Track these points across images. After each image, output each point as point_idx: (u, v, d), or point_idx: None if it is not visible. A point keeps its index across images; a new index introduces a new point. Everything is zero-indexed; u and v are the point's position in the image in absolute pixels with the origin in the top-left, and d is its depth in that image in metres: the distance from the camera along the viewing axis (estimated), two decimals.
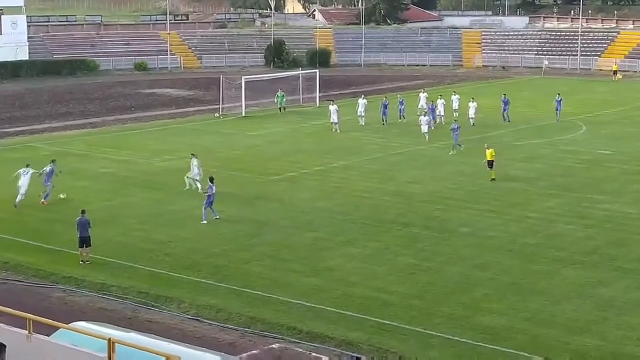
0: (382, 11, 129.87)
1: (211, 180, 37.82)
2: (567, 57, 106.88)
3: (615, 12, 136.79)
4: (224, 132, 60.76)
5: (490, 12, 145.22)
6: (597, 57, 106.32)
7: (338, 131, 59.13)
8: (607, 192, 42.92)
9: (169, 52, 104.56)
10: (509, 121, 63.74)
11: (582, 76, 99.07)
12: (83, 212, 32.59)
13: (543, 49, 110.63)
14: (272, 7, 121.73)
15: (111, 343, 14.46)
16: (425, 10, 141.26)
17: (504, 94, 66.13)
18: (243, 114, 67.93)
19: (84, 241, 32.12)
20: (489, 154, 45.40)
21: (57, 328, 16.72)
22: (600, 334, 25.74)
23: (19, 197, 39.71)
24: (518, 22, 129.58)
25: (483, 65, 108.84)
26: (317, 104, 73.11)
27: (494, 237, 35.41)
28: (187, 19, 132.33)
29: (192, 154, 44.64)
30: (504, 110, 64.84)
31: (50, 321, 15.98)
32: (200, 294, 29.07)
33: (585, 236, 35.56)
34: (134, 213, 39.16)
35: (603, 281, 30.19)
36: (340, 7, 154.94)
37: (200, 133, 60.44)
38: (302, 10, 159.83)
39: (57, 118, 67.42)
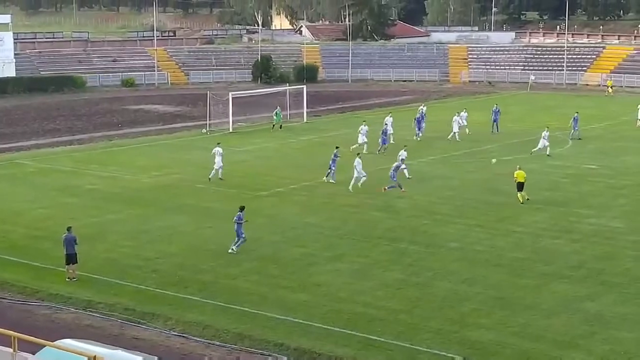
0: (369, 27, 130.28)
1: (241, 209, 35.61)
2: (553, 72, 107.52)
3: (601, 27, 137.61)
4: (211, 148, 60.57)
5: (476, 28, 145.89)
6: (583, 72, 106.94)
7: (365, 152, 55.34)
8: (594, 206, 43.05)
9: (156, 68, 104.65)
10: (497, 131, 63.95)
11: (568, 91, 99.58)
12: (69, 229, 32.42)
13: (529, 64, 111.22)
14: (260, 23, 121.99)
15: None
16: (411, 26, 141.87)
17: (496, 104, 66.41)
18: (230, 130, 67.95)
19: (71, 258, 31.94)
20: (519, 175, 43.52)
21: (43, 346, 16.66)
22: (588, 349, 25.73)
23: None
24: (504, 37, 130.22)
25: (470, 81, 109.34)
26: (305, 120, 73.19)
27: (481, 252, 35.43)
28: (175, 35, 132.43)
29: (217, 143, 50.12)
30: (495, 120, 65.17)
31: (35, 339, 15.90)
32: (187, 310, 28.94)
33: (572, 250, 35.62)
34: (120, 229, 39.01)
35: (590, 295, 30.22)
36: (327, 23, 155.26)
37: (188, 149, 60.40)
38: (289, 26, 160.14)
39: (44, 135, 67.30)
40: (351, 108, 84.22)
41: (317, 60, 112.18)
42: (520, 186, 43.48)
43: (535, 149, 55.54)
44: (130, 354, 20.43)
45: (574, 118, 64.06)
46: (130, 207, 43.30)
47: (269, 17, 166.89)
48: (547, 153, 55.13)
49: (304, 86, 77.33)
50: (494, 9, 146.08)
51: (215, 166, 49.12)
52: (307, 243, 36.59)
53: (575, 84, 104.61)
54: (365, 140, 57.97)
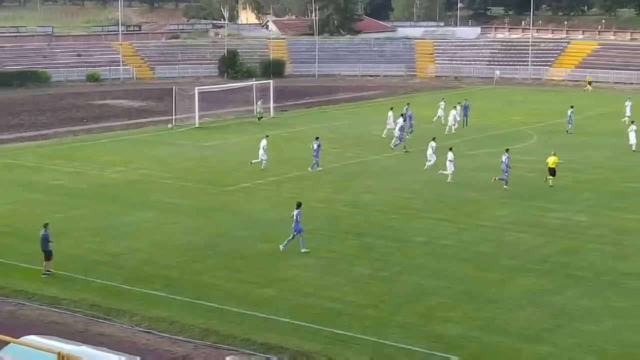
0: (335, 22, 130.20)
1: (298, 205, 35.00)
2: (519, 67, 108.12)
3: (566, 22, 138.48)
4: (177, 143, 60.46)
5: (442, 23, 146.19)
6: (547, 67, 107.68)
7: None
8: (559, 200, 43.36)
9: (121, 63, 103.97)
10: (466, 126, 64.28)
11: (533, 86, 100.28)
12: (45, 225, 32.28)
13: (495, 59, 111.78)
14: (226, 18, 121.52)
15: (61, 357, 14.30)
16: (378, 21, 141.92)
17: (465, 99, 66.73)
18: (197, 125, 67.69)
19: (45, 255, 31.83)
20: (552, 161, 46.20)
21: (7, 343, 16.50)
22: (553, 342, 25.91)
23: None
24: (470, 32, 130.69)
25: (436, 76, 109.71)
26: (272, 115, 73.07)
27: (448, 246, 35.58)
28: (140, 30, 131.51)
29: (266, 136, 52.28)
30: (465, 116, 65.52)
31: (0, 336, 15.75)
32: (153, 306, 28.79)
33: (538, 244, 35.85)
34: (86, 225, 38.73)
35: (555, 289, 30.43)
36: (293, 17, 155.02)
37: (154, 144, 60.10)
38: (256, 21, 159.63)
39: (8, 130, 66.63)
40: (318, 103, 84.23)
41: (284, 55, 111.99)
42: (551, 172, 46.13)
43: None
44: (113, 354, 20.18)
45: (569, 112, 64.64)
46: (96, 202, 42.99)
47: (236, 12, 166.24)
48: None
49: (271, 81, 77.16)
50: (459, 4, 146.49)
51: (261, 157, 50.62)
52: (274, 238, 36.50)
53: (540, 78, 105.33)
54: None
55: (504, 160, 46.17)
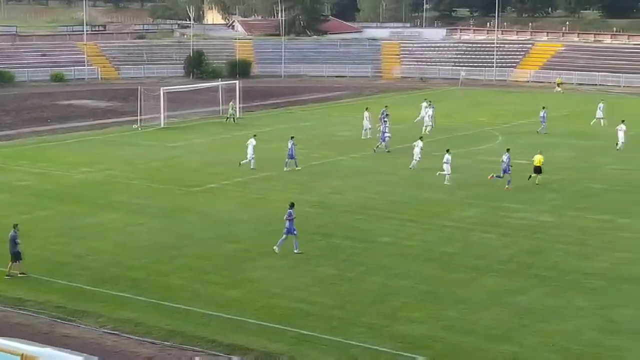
0: (302, 22, 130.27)
1: (291, 206, 34.87)
2: (484, 68, 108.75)
3: (530, 24, 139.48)
4: (143, 144, 60.18)
5: (408, 24, 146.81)
6: (512, 68, 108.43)
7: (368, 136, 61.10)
8: (523, 201, 43.69)
9: (86, 63, 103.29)
10: (432, 126, 64.52)
11: (498, 87, 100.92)
12: (15, 226, 32.07)
13: (460, 60, 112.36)
14: (192, 18, 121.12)
15: (24, 358, 14.22)
16: (344, 22, 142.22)
17: (430, 100, 67.03)
18: (162, 125, 67.41)
19: (14, 256, 31.60)
20: (537, 159, 47.23)
21: None
22: (518, 341, 26.11)
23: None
24: (436, 34, 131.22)
25: (402, 77, 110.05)
26: (238, 115, 72.88)
27: (413, 247, 35.74)
28: (105, 30, 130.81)
29: (254, 135, 51.97)
30: (430, 116, 65.66)
31: None
32: (119, 307, 28.66)
33: (502, 245, 36.11)
34: (51, 226, 38.47)
35: (520, 289, 30.66)
36: (260, 18, 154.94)
37: (119, 145, 59.78)
38: (222, 21, 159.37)
39: None
40: (285, 104, 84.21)
41: (250, 56, 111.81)
42: (537, 170, 47.11)
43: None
44: (71, 354, 20.10)
45: (542, 113, 65.36)
46: (61, 203, 42.71)
47: (202, 12, 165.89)
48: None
49: (237, 81, 77.00)
50: (425, 6, 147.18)
51: (248, 157, 50.66)
52: (240, 239, 36.50)
53: (505, 80, 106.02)
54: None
55: (504, 160, 46.87)
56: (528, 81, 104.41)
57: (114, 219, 39.64)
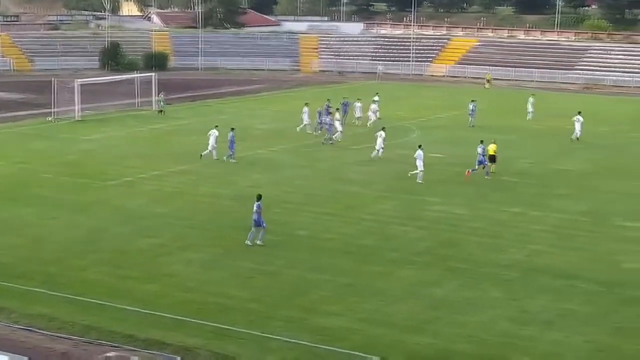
0: (220, 15, 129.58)
1: (259, 198, 34.99)
2: (401, 62, 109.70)
3: (446, 19, 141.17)
4: (57, 137, 59.14)
5: (326, 18, 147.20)
6: (429, 63, 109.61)
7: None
8: (439, 194, 44.22)
9: None
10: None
11: (415, 81, 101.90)
12: None
13: (378, 54, 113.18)
14: (108, 9, 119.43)
15: None
16: (263, 15, 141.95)
17: (345, 97, 67.25)
18: (77, 118, 66.35)
19: None
20: (492, 149, 48.87)
21: None
22: (434, 333, 26.44)
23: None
24: (354, 28, 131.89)
25: (321, 70, 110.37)
26: (154, 108, 72.18)
27: (331, 240, 35.87)
28: (18, 20, 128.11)
29: (215, 126, 52.45)
30: (344, 112, 65.78)
31: None
32: (32, 303, 28.12)
33: (419, 237, 36.50)
34: None
35: (436, 281, 31.04)
36: (177, 10, 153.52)
37: (33, 137, 58.64)
38: (138, 13, 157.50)
39: None
40: (203, 96, 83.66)
41: (167, 48, 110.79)
42: (492, 158, 48.76)
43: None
44: None
45: (471, 106, 66.44)
46: None
47: (117, 3, 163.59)
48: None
49: (154, 74, 76.23)
50: (343, 0, 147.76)
51: (209, 147, 50.82)
52: (157, 233, 36.17)
53: (422, 74, 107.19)
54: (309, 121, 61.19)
55: (479, 151, 48.08)
56: (444, 76, 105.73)
57: (28, 213, 38.89)
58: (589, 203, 42.86)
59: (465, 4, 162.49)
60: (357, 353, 24.73)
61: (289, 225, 37.74)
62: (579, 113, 60.89)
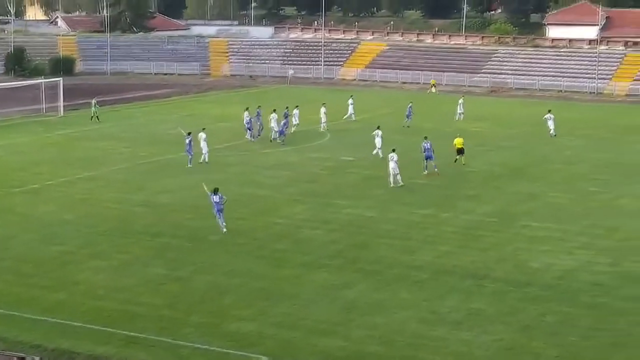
0: (127, 19, 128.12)
1: (215, 191, 37.12)
2: (311, 66, 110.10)
3: (356, 23, 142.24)
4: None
5: (236, 22, 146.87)
6: (339, 67, 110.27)
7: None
8: (350, 197, 44.48)
9: None
10: (262, 130, 64.58)
11: (325, 85, 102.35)
12: None
13: (288, 58, 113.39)
14: (12, 13, 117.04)
15: None
16: (171, 19, 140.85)
17: (259, 106, 66.89)
18: None
19: None
20: (458, 142, 51.68)
21: None
22: (345, 335, 26.56)
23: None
24: (264, 32, 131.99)
25: (231, 74, 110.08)
26: (61, 114, 71.01)
27: (243, 244, 35.76)
28: None
29: (203, 129, 52.70)
30: (259, 120, 65.34)
31: None
32: None
33: (330, 240, 36.65)
34: None
35: (347, 283, 31.20)
36: (84, 14, 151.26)
37: None
38: (44, 17, 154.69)
39: None
40: (111, 101, 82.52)
41: (73, 52, 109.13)
42: (459, 151, 51.79)
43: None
44: None
45: (409, 107, 68.60)
46: None
47: (22, 7, 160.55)
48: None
49: (60, 79, 74.99)
50: (253, 4, 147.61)
51: (203, 151, 51.67)
52: (64, 241, 35.56)
53: (332, 78, 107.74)
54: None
55: (427, 147, 49.53)
56: (354, 79, 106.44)
57: None
58: (496, 204, 43.63)
59: (374, 8, 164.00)
60: (266, 357, 24.72)
61: (201, 231, 37.51)
62: (549, 111, 64.83)
